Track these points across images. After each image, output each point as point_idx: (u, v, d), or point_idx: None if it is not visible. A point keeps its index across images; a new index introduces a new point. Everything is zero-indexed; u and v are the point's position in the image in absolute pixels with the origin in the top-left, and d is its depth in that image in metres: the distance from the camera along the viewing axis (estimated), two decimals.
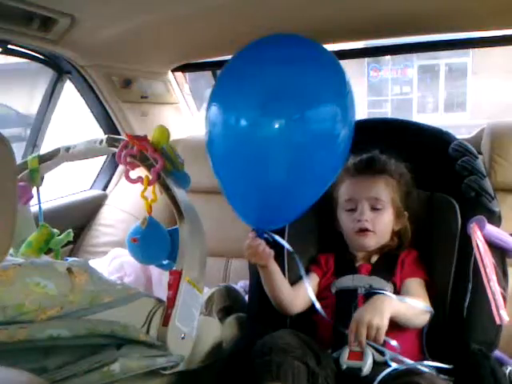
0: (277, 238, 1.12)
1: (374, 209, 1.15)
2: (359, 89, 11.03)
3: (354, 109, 1.01)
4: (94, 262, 1.48)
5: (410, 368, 0.96)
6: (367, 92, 11.39)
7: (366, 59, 10.87)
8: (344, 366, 1.01)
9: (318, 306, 1.12)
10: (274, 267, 1.13)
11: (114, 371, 0.86)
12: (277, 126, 0.89)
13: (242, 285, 1.51)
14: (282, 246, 1.16)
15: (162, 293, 1.13)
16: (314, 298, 1.12)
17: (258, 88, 0.92)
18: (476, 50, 9.78)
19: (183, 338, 1.00)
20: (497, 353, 1.05)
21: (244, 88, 0.93)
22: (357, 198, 1.16)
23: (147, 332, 0.96)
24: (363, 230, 1.14)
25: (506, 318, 0.96)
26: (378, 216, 1.15)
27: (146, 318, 0.98)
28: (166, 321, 0.98)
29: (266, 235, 1.10)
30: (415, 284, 1.12)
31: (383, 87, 11.73)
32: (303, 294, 1.16)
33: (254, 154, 0.93)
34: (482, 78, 10.06)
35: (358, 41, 1.89)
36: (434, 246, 1.17)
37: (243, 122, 0.92)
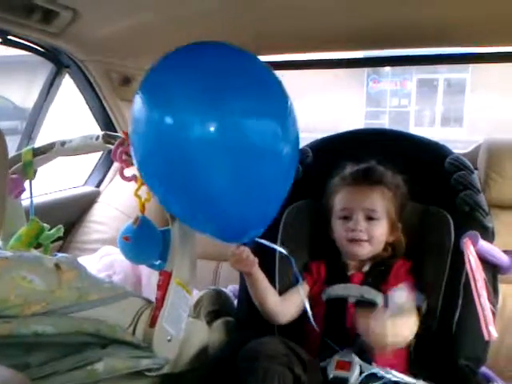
0: (268, 243, 1.11)
1: (368, 219, 1.15)
2: (358, 99, 11.10)
3: (296, 127, 0.96)
4: (83, 259, 1.47)
5: (397, 381, 0.96)
6: (365, 102, 11.46)
7: (366, 70, 10.95)
8: (331, 376, 1.00)
9: (310, 316, 1.11)
10: (259, 275, 1.12)
11: (98, 370, 0.85)
12: (209, 130, 0.80)
13: (231, 289, 1.50)
14: (274, 254, 1.15)
15: (151, 293, 1.12)
16: (308, 307, 1.11)
17: (196, 82, 0.83)
18: (475, 66, 9.92)
19: (169, 340, 0.99)
20: (483, 369, 1.04)
21: (178, 82, 0.84)
22: (352, 208, 1.16)
23: (133, 332, 0.95)
24: (357, 240, 1.14)
25: (494, 334, 0.96)
26: (372, 226, 1.14)
27: (133, 318, 0.97)
28: (153, 322, 0.98)
29: (256, 240, 1.08)
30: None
31: (381, 99, 11.80)
32: (294, 303, 1.15)
33: (182, 158, 0.83)
34: (480, 94, 10.15)
35: (357, 50, 1.89)
36: (426, 259, 1.16)
37: (170, 121, 0.82)
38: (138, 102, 0.88)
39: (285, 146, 0.92)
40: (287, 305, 1.16)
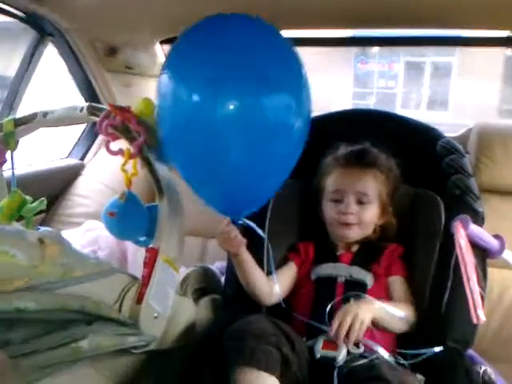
0: (253, 225, 1.10)
1: (359, 202, 1.14)
2: (345, 79, 11.04)
3: (310, 102, 0.96)
4: (66, 233, 1.43)
5: (383, 362, 0.96)
6: (353, 83, 11.41)
7: (354, 51, 10.87)
8: (318, 355, 1.00)
9: (282, 302, 1.11)
10: (246, 256, 1.11)
11: (83, 348, 0.83)
12: (230, 106, 0.83)
13: (218, 266, 1.48)
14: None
15: (137, 270, 1.09)
16: (279, 295, 1.12)
17: (213, 64, 0.85)
18: (461, 51, 9.93)
19: (156, 317, 0.97)
20: (469, 351, 1.05)
21: (199, 62, 0.86)
22: (344, 190, 1.14)
23: (119, 310, 0.93)
24: (348, 223, 1.13)
25: (482, 317, 0.96)
26: (363, 210, 1.14)
27: (119, 295, 0.95)
28: (139, 299, 0.95)
29: (241, 222, 1.07)
30: (399, 285, 1.12)
31: (369, 80, 11.76)
32: (281, 284, 1.14)
33: (206, 133, 0.86)
34: (466, 78, 10.17)
35: (346, 29, 1.86)
36: (417, 242, 1.16)
37: (195, 98, 0.85)
38: (165, 77, 0.89)
39: (298, 121, 0.91)
40: (273, 285, 1.15)
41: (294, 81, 0.91)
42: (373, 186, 1.15)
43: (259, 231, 1.12)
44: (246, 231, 1.09)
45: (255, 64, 0.85)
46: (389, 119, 1.32)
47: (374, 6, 1.38)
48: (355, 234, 1.14)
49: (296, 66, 0.92)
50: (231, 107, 0.83)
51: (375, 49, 10.89)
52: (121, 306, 0.93)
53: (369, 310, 1.00)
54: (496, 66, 9.70)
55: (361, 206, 1.14)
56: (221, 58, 0.84)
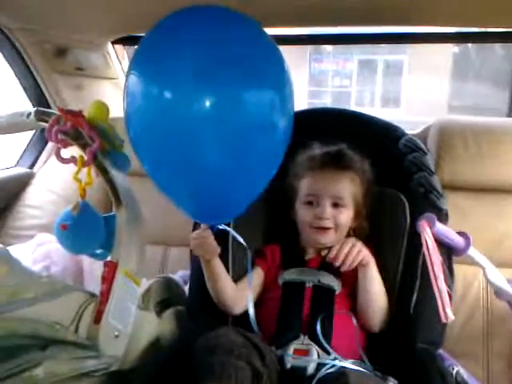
0: (233, 232, 1.08)
1: (335, 205, 1.11)
2: (300, 78, 11.13)
3: (293, 99, 0.92)
4: (16, 248, 1.35)
5: (353, 369, 0.94)
6: (308, 82, 11.52)
7: (309, 50, 10.98)
8: (289, 365, 0.97)
9: (252, 314, 1.07)
10: (218, 263, 1.08)
11: (38, 376, 0.75)
12: (209, 103, 0.76)
13: (181, 274, 1.43)
14: (227, 240, 1.11)
15: (94, 284, 1.03)
16: (251, 308, 1.08)
17: (191, 58, 0.78)
18: (412, 48, 10.20)
19: (117, 336, 0.91)
20: (440, 352, 1.04)
21: (174, 56, 0.79)
22: (319, 194, 1.11)
23: (76, 331, 0.86)
24: (323, 228, 1.10)
25: (451, 316, 0.95)
26: (338, 213, 1.11)
27: (75, 315, 0.88)
28: (97, 318, 0.89)
29: (219, 227, 1.04)
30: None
31: (323, 78, 11.90)
32: (246, 293, 1.11)
33: (181, 132, 0.80)
34: (417, 75, 10.46)
35: (298, 27, 1.85)
36: (383, 242, 1.15)
37: (169, 96, 0.78)
38: (133, 74, 0.82)
39: (280, 120, 0.87)
40: (242, 294, 1.11)
41: (278, 75, 0.87)
42: (349, 189, 1.12)
43: (239, 238, 1.10)
44: (215, 237, 1.05)
45: (237, 57, 0.79)
46: (352, 117, 1.31)
47: (328, 5, 1.36)
48: (331, 239, 1.12)
49: (279, 60, 0.88)
50: (210, 103, 0.77)
51: (329, 47, 11.03)
52: (77, 326, 0.87)
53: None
54: (445, 63, 10.03)
55: (336, 210, 1.11)
56: (199, 52, 0.78)
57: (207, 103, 0.76)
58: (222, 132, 0.80)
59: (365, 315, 1.07)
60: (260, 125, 0.83)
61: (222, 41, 0.79)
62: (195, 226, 1.26)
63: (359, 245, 1.04)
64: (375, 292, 1.06)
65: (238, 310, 1.11)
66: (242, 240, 1.10)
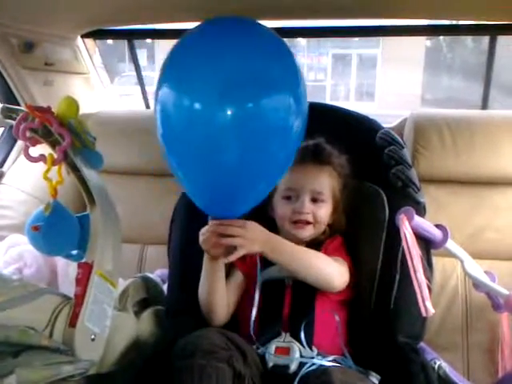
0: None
1: (314, 200, 1.10)
2: None
3: (306, 97, 0.94)
4: None
5: (335, 366, 0.94)
6: None
7: None
8: (271, 364, 0.96)
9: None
10: (222, 264, 1.04)
11: None
12: (231, 113, 0.82)
13: (158, 273, 1.40)
14: None
15: (69, 286, 1.00)
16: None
17: (216, 75, 0.83)
18: (385, 42, 10.31)
19: (93, 339, 0.88)
20: (421, 345, 1.05)
21: (201, 74, 0.84)
22: (299, 189, 1.10)
23: (50, 335, 0.83)
24: (302, 222, 1.09)
25: (431, 309, 0.95)
26: (317, 208, 1.10)
27: (50, 319, 0.85)
28: (73, 321, 0.86)
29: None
30: (333, 259, 1.08)
31: None
32: (232, 293, 1.10)
33: (207, 139, 0.85)
34: (390, 69, 10.58)
35: (273, 20, 1.83)
36: (362, 236, 1.15)
37: (198, 107, 0.82)
38: (164, 82, 0.87)
39: (297, 120, 0.89)
40: (228, 303, 1.09)
41: (293, 80, 0.89)
42: (328, 184, 1.11)
43: None
44: None
45: (256, 69, 0.84)
46: (328, 111, 1.30)
47: None
48: (309, 233, 1.10)
49: (293, 64, 0.90)
50: (231, 113, 0.81)
51: (303, 42, 11.05)
52: (52, 331, 0.84)
53: (262, 242, 0.98)
54: (418, 57, 10.17)
55: (315, 205, 1.10)
56: (223, 64, 0.83)
57: (228, 112, 0.81)
58: (241, 136, 0.84)
59: (313, 285, 1.04)
60: (276, 128, 0.86)
61: (241, 54, 0.84)
62: (172, 225, 1.24)
63: (249, 239, 0.97)
64: (297, 264, 1.02)
65: (221, 318, 1.08)
66: None
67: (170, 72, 0.88)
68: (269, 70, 0.85)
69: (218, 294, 1.06)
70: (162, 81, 0.87)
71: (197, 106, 0.82)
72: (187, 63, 0.85)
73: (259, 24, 0.92)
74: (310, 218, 1.09)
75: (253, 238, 0.96)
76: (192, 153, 0.86)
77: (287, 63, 0.89)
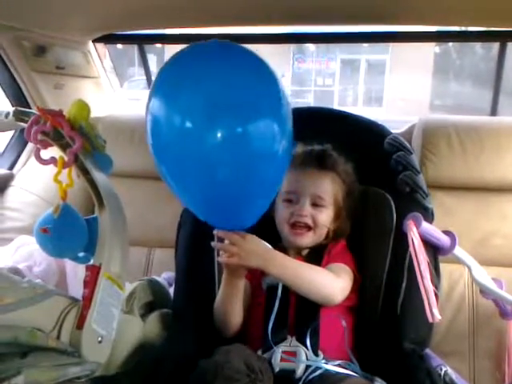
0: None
1: (314, 205, 1.10)
2: (283, 78, 11.16)
3: (291, 120, 0.94)
4: None
5: (340, 371, 0.93)
6: (291, 82, 11.54)
7: (292, 50, 11.01)
8: (277, 369, 0.96)
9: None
10: (243, 283, 1.05)
11: None
12: (220, 136, 0.82)
13: (165, 277, 1.41)
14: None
15: (78, 286, 1.00)
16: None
17: (202, 95, 0.84)
18: (394, 48, 10.30)
19: (100, 342, 0.88)
20: (427, 351, 1.04)
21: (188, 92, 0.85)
22: (300, 192, 1.10)
23: (58, 337, 0.84)
24: (301, 226, 1.09)
25: (438, 316, 0.95)
26: (317, 213, 1.10)
27: (57, 320, 0.85)
28: (80, 323, 0.86)
29: None
30: (336, 267, 1.08)
31: (307, 78, 11.94)
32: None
33: (199, 158, 0.85)
34: (398, 75, 10.57)
35: (283, 26, 1.84)
36: (369, 241, 1.15)
37: (184, 125, 0.83)
38: (155, 99, 0.87)
39: (282, 143, 0.88)
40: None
41: (278, 105, 0.89)
42: (330, 189, 1.11)
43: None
44: None
45: (238, 94, 0.83)
46: (338, 117, 1.30)
47: (313, 5, 1.36)
48: (308, 240, 1.10)
49: (278, 89, 0.90)
50: (218, 134, 0.82)
51: (312, 47, 11.08)
52: (59, 332, 0.84)
53: (259, 256, 0.97)
54: (427, 63, 10.15)
55: (316, 209, 1.10)
56: (207, 89, 0.83)
57: (217, 134, 0.82)
58: (231, 158, 0.84)
59: (314, 301, 1.03)
60: (263, 152, 0.87)
61: (224, 78, 0.84)
62: (179, 228, 1.25)
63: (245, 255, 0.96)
64: (301, 281, 1.01)
65: (231, 332, 1.08)
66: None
67: (161, 88, 0.88)
68: (251, 93, 0.84)
69: (235, 315, 1.06)
70: (152, 95, 0.87)
71: (183, 124, 0.82)
72: (176, 83, 0.85)
73: (242, 47, 0.91)
74: (308, 221, 1.09)
75: (250, 249, 0.96)
76: (181, 166, 0.87)
77: (269, 87, 0.89)
